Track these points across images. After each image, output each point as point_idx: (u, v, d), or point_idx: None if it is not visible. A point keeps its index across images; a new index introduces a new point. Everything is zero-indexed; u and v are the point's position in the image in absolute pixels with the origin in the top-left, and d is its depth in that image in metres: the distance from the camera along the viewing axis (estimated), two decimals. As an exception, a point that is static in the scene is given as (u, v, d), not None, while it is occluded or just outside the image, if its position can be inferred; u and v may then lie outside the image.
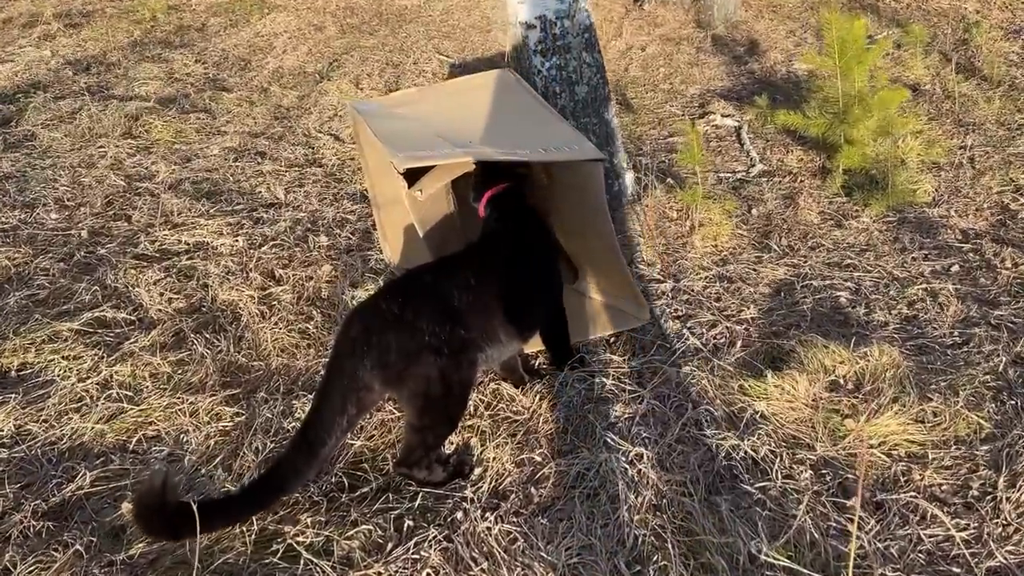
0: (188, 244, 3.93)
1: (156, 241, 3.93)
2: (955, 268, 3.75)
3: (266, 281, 3.58)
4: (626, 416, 2.78)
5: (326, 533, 2.27)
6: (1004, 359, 3.01)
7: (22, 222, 4.05)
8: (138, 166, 4.91)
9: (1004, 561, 2.20)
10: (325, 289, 3.50)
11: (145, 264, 3.69)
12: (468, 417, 2.77)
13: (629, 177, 4.20)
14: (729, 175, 4.92)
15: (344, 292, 3.42)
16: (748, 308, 3.42)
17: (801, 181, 4.76)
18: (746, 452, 2.61)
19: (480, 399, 2.85)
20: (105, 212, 4.24)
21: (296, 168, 5.09)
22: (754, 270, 3.76)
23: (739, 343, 3.18)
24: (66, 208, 4.28)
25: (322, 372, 2.48)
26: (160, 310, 3.33)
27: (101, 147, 5.13)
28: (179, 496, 2.19)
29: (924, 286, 3.59)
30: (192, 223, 4.14)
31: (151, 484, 2.06)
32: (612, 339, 3.26)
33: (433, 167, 2.86)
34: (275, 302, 3.43)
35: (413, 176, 2.87)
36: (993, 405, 2.79)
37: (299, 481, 2.27)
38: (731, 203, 4.24)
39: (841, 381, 2.93)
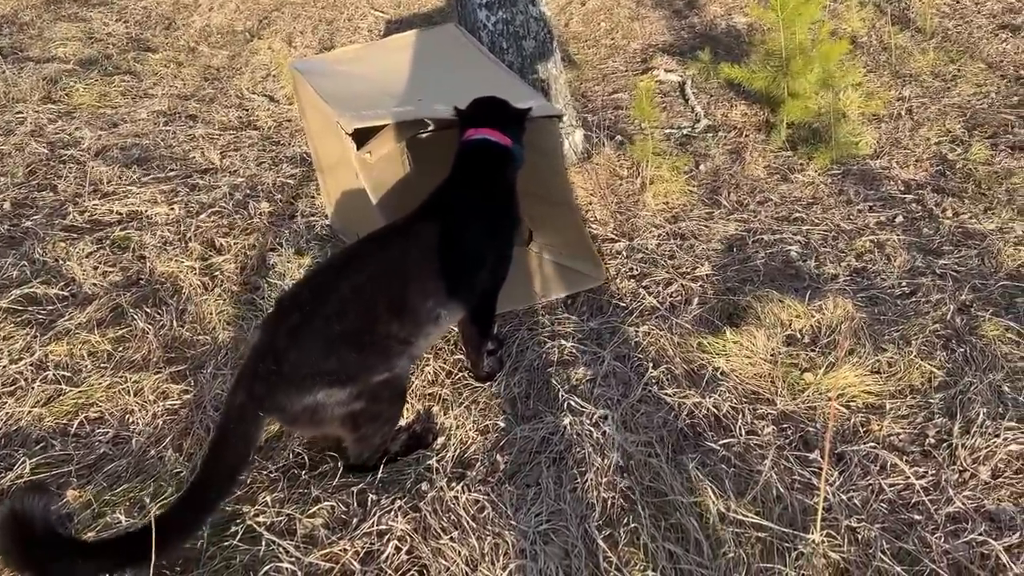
0: (120, 214, 3.74)
1: (85, 211, 3.73)
2: (899, 219, 3.80)
3: (206, 251, 3.43)
4: (588, 378, 2.75)
5: (287, 512, 2.19)
6: (951, 308, 3.06)
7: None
8: (61, 132, 4.64)
9: (962, 506, 2.25)
10: (271, 257, 3.37)
11: (75, 236, 3.49)
12: (429, 385, 2.70)
13: (579, 135, 4.14)
14: (675, 131, 4.89)
15: (290, 260, 3.29)
16: (702, 265, 3.41)
17: (746, 136, 4.76)
18: (708, 410, 2.61)
19: (441, 366, 2.79)
20: (28, 182, 4.00)
21: (231, 131, 4.89)
22: (706, 226, 3.75)
23: (695, 300, 3.17)
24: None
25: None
26: (95, 284, 3.16)
27: (19, 113, 4.84)
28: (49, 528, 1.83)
29: (871, 237, 3.63)
30: (123, 191, 3.94)
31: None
32: (570, 300, 3.22)
33: (383, 127, 2.75)
34: (217, 272, 3.29)
35: (362, 138, 2.75)
36: (944, 353, 2.84)
37: (184, 539, 2.00)
38: (681, 159, 4.20)
39: (798, 335, 2.94)
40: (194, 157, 4.46)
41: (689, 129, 4.93)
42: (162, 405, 2.57)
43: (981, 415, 2.52)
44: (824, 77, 4.61)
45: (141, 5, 7.79)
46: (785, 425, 2.57)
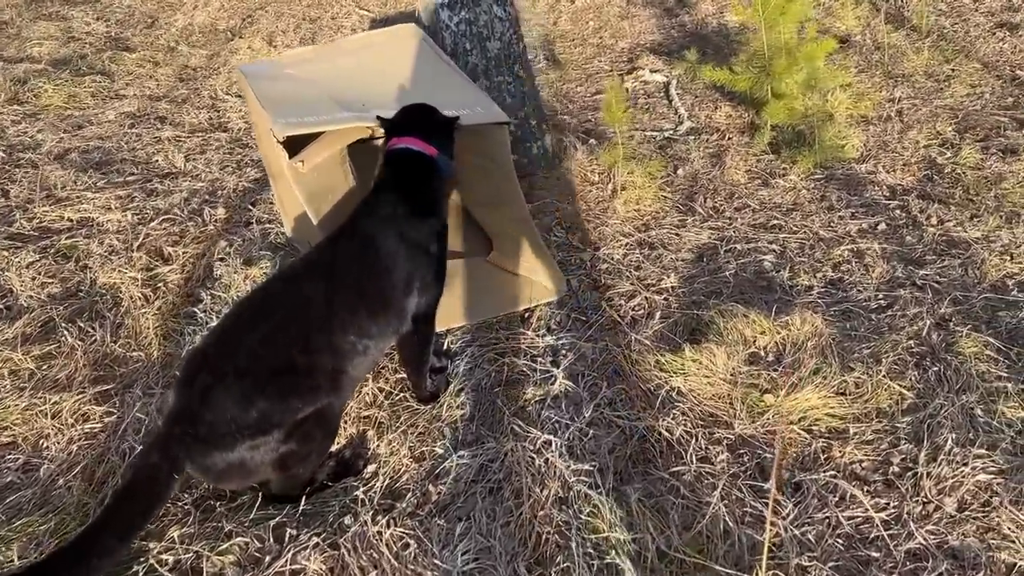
0: (71, 221, 3.61)
1: (34, 218, 3.61)
2: (882, 226, 3.64)
3: (153, 260, 3.30)
4: (537, 399, 2.61)
5: (195, 548, 2.05)
6: (928, 322, 2.91)
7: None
8: (22, 135, 4.53)
9: (923, 542, 2.10)
10: (218, 267, 3.23)
11: (19, 245, 3.37)
12: (365, 407, 2.56)
13: (548, 139, 3.99)
14: (656, 133, 4.73)
15: (236, 271, 3.16)
16: (668, 276, 3.26)
17: (729, 138, 4.60)
18: (661, 434, 2.46)
19: (380, 387, 2.65)
20: (-11, 186, 3.89)
21: (199, 133, 4.77)
22: (677, 235, 3.59)
23: (658, 315, 3.02)
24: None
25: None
26: (31, 296, 3.03)
27: (-23, 112, 4.73)
28: None
29: (850, 246, 3.47)
30: (77, 197, 3.82)
31: None
32: (527, 314, 3.07)
33: (321, 134, 2.61)
34: (161, 284, 3.16)
35: (300, 144, 2.62)
36: (915, 372, 2.68)
37: None
38: (655, 164, 4.05)
39: (761, 353, 2.79)
40: (157, 161, 4.33)
41: (671, 131, 4.78)
42: (80, 429, 2.44)
43: (950, 441, 2.37)
44: (809, 78, 4.45)
45: (125, 3, 7.70)
46: (741, 451, 2.43)
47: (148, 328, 2.87)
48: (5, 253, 3.29)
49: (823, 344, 2.79)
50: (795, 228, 3.66)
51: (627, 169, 3.90)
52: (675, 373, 2.70)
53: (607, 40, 6.51)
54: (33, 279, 3.12)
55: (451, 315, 2.97)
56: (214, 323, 2.89)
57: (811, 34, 4.51)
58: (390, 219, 2.34)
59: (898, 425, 2.48)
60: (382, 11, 7.34)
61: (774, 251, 3.48)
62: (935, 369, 2.69)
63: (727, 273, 3.30)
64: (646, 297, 3.14)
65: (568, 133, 4.35)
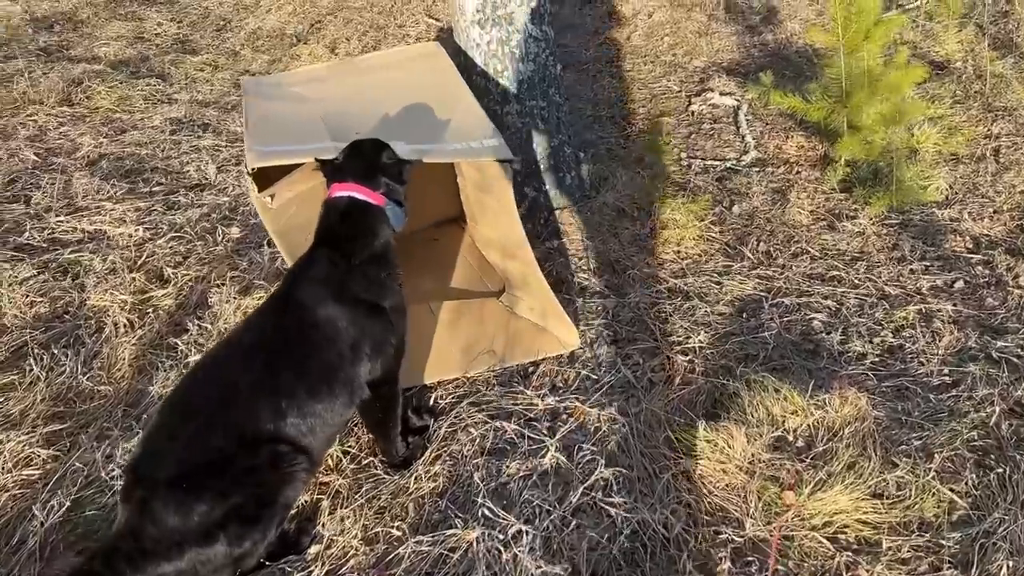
0: (83, 233, 3.50)
1: (47, 229, 3.51)
2: (959, 284, 3.19)
3: (149, 283, 3.14)
4: (521, 474, 2.31)
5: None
6: (998, 408, 2.48)
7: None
8: (62, 138, 4.48)
9: None
10: (214, 295, 3.05)
11: (21, 257, 3.27)
12: (326, 471, 2.31)
13: (586, 169, 3.67)
14: (717, 163, 4.34)
15: (229, 300, 2.96)
16: (699, 333, 2.90)
17: (797, 173, 4.18)
18: (655, 531, 2.12)
19: (345, 449, 2.39)
20: (3, 192, 3.82)
21: (239, 143, 4.63)
22: (718, 283, 3.22)
23: (678, 379, 2.67)
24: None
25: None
26: (16, 316, 2.91)
27: (30, 115, 4.72)
28: None
29: (918, 307, 3.04)
30: (96, 207, 3.71)
31: None
32: (531, 368, 2.77)
33: (300, 165, 2.37)
34: (151, 309, 2.99)
35: (277, 174, 2.39)
36: (974, 474, 2.27)
37: None
38: (703, 202, 3.68)
39: (790, 437, 2.41)
40: (188, 171, 4.21)
41: (734, 162, 4.38)
42: (17, 475, 2.26)
43: (1005, 570, 1.95)
44: (893, 110, 3.98)
45: (203, 5, 7.71)
46: (749, 558, 2.07)
47: (123, 360, 2.70)
48: (6, 266, 3.19)
49: (864, 432, 2.39)
50: (856, 281, 3.24)
51: (670, 205, 3.54)
52: (686, 454, 2.35)
53: (680, 58, 6.12)
54: (25, 296, 2.99)
55: (444, 364, 2.70)
56: (194, 358, 2.70)
57: (900, 60, 4.04)
58: (328, 281, 2.07)
59: (943, 542, 2.08)
60: (451, 21, 7.13)
61: (828, 308, 3.08)
62: (999, 471, 2.27)
63: (768, 333, 2.91)
64: (668, 357, 2.79)
65: (614, 161, 4.02)
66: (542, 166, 3.50)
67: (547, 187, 3.52)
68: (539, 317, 2.88)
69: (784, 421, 2.44)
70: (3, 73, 5.31)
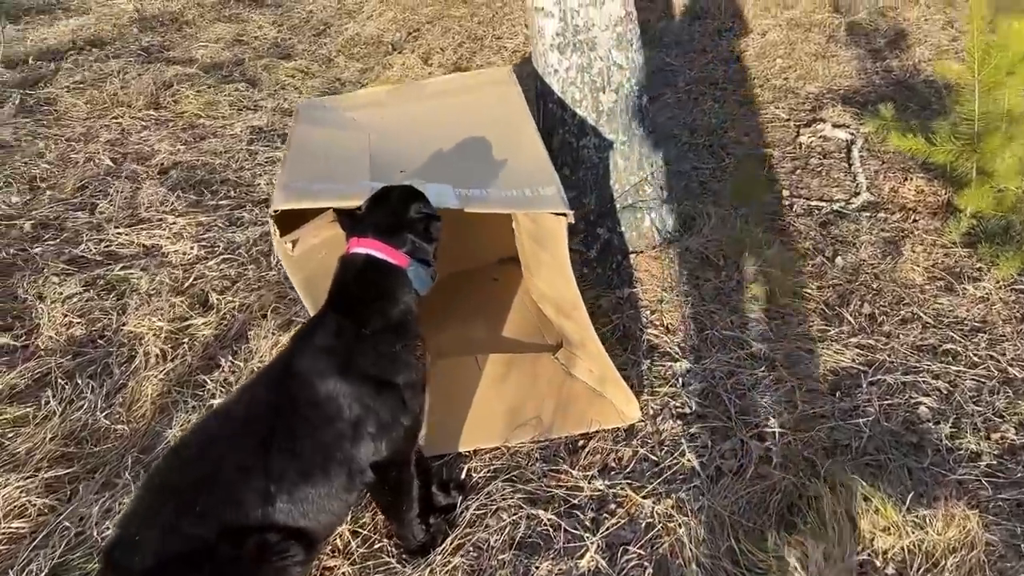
0: (140, 247, 3.40)
1: (104, 241, 3.42)
2: (1103, 373, 2.70)
3: (191, 308, 2.99)
4: (550, 578, 2.00)
5: None
6: None
7: (-28, 206, 3.64)
8: (141, 143, 4.45)
9: None
10: (254, 326, 2.86)
11: (71, 272, 3.18)
12: (330, 555, 2.06)
13: (668, 210, 3.32)
14: (824, 204, 3.92)
15: (268, 335, 2.77)
16: (782, 413, 2.52)
17: (914, 221, 3.71)
18: (700, 669, 1.78)
19: (356, 528, 2.13)
20: (71, 199, 3.78)
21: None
22: (809, 351, 2.83)
23: (751, 471, 2.31)
24: (34, 190, 3.85)
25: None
26: (50, 338, 2.80)
27: (115, 118, 4.72)
28: None
29: (1051, 398, 2.57)
30: (158, 219, 3.62)
31: None
32: (582, 441, 2.46)
33: (328, 209, 2.14)
34: (187, 339, 2.83)
35: (311, 213, 2.16)
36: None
37: None
38: (801, 250, 3.28)
39: (878, 562, 2.02)
40: (259, 184, 4.09)
41: (842, 204, 3.94)
42: (5, 527, 2.10)
43: None
44: (1034, 156, 3.47)
45: (308, 8, 7.70)
46: None
47: (147, 396, 2.53)
48: (55, 280, 3.10)
49: (973, 563, 1.97)
50: (975, 359, 2.79)
51: (763, 254, 3.16)
52: (749, 570, 2.00)
53: (793, 83, 5.65)
54: (64, 316, 2.88)
55: (485, 429, 2.42)
56: (219, 400, 2.51)
57: (1050, 100, 3.52)
58: (333, 352, 1.81)
59: None
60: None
61: (938, 391, 2.65)
62: None
63: (864, 419, 2.51)
64: (743, 441, 2.42)
65: (705, 197, 3.65)
66: (619, 205, 3.18)
67: (623, 228, 3.20)
68: (597, 382, 2.56)
69: (873, 540, 2.05)
70: (100, 73, 5.36)
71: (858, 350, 2.85)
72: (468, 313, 2.95)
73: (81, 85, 5.11)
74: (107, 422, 2.45)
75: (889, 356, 2.81)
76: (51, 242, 3.38)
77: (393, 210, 1.92)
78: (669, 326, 2.95)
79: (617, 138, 3.12)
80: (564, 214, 2.06)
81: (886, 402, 2.59)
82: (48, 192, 3.80)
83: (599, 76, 3.04)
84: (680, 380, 2.68)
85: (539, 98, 3.21)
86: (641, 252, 3.24)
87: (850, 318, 3.01)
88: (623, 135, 3.13)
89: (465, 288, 3.04)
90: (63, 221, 3.55)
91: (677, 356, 2.79)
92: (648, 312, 3.00)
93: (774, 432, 2.44)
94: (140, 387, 2.56)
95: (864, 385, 2.67)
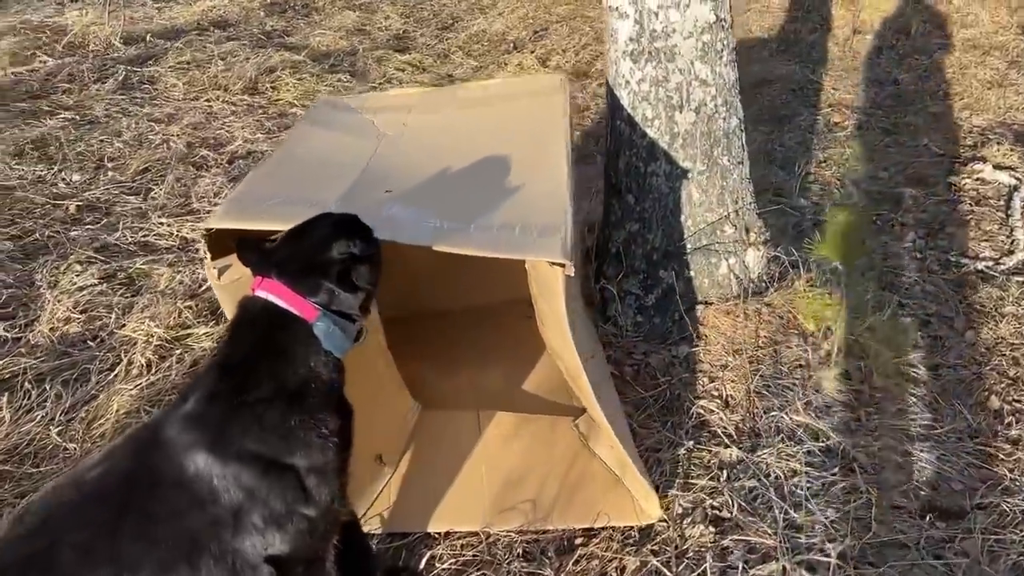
0: (174, 240, 3.22)
1: (143, 230, 3.27)
2: None
3: (198, 316, 2.74)
4: None
5: None
6: None
7: (34, 180, 3.56)
8: (222, 129, 4.33)
9: None
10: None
11: (95, 261, 3.03)
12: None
13: (752, 256, 2.77)
14: (965, 261, 3.24)
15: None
16: (847, 536, 1.97)
17: (1081, 296, 3.00)
18: None
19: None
20: (130, 182, 3.66)
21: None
22: (905, 454, 2.25)
23: (788, 613, 1.78)
24: (99, 170, 3.76)
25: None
26: (45, 335, 2.63)
27: (208, 101, 4.62)
28: None
29: None
30: (207, 212, 3.43)
31: None
32: (581, 539, 2.01)
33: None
34: (180, 350, 2.58)
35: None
36: None
37: None
38: (922, 318, 2.67)
39: None
40: (325, 186, 3.83)
41: (989, 263, 3.25)
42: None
43: None
44: None
45: (440, 2, 7.52)
46: None
47: (113, 412, 2.28)
48: (77, 267, 2.95)
49: None
50: None
51: (869, 320, 2.58)
52: None
53: (956, 112, 4.87)
54: (68, 311, 2.70)
55: (465, 507, 2.02)
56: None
57: None
58: (203, 421, 1.44)
59: None
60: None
61: (1072, 534, 2.00)
62: None
63: (960, 558, 1.92)
64: (785, 569, 1.89)
65: (808, 246, 3.07)
66: (689, 245, 2.68)
67: (692, 273, 2.70)
68: (618, 464, 2.10)
69: None
70: (209, 55, 5.32)
71: (972, 459, 2.24)
72: (485, 357, 2.55)
73: (186, 65, 5.07)
74: (58, 439, 2.22)
75: (1013, 472, 2.19)
76: (90, 226, 3.25)
77: (310, 246, 1.53)
78: (729, 400, 2.43)
79: (693, 166, 2.62)
80: (561, 264, 1.62)
81: (995, 537, 1.98)
82: (110, 173, 3.70)
83: (676, 92, 2.55)
84: (725, 473, 2.17)
85: (609, 113, 2.76)
86: (711, 304, 2.72)
87: (969, 414, 2.39)
88: (701, 163, 2.62)
89: (488, 326, 2.65)
90: (111, 205, 3.43)
91: (729, 441, 2.27)
92: (706, 379, 2.49)
93: (829, 563, 1.90)
94: (109, 401, 2.32)
95: (970, 509, 2.07)
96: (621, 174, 2.72)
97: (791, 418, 2.34)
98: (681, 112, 2.57)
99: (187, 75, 4.91)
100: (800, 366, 2.54)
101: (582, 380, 1.81)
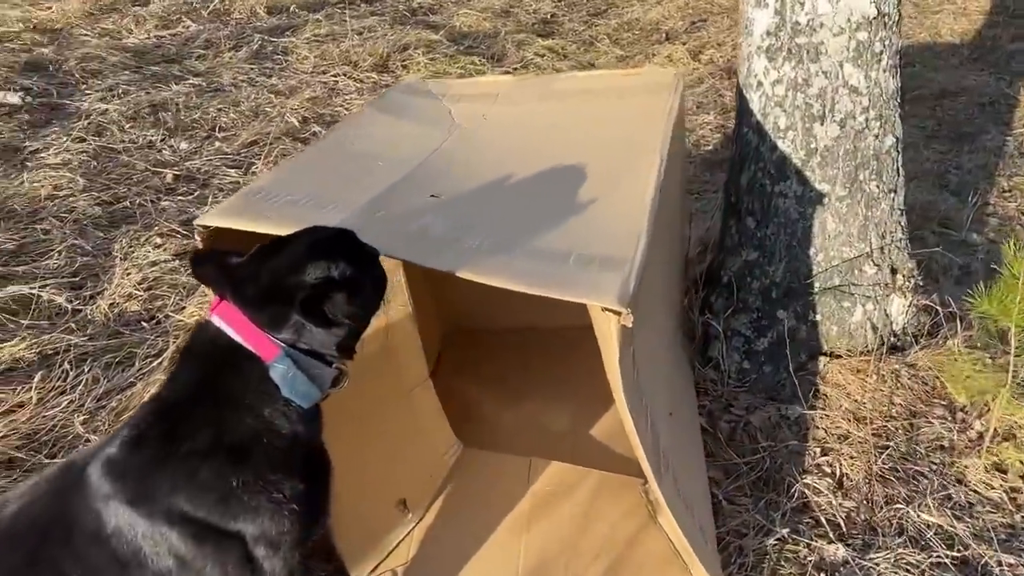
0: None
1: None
2: None
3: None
4: None
5: None
6: None
7: (142, 145, 3.51)
8: (341, 106, 4.19)
9: None
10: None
11: (176, 236, 2.92)
12: None
13: (897, 304, 2.28)
14: None
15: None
16: None
17: None
18: None
19: None
20: (235, 154, 3.55)
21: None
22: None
23: None
24: (208, 139, 3.68)
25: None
26: (104, 310, 2.51)
27: (333, 76, 4.51)
28: None
29: None
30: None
31: None
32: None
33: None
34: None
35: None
36: None
37: None
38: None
39: None
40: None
41: None
42: None
43: None
44: None
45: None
46: None
47: (142, 398, 2.11)
48: (157, 240, 2.84)
49: None
50: None
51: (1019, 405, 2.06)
52: None
53: None
54: (134, 287, 2.58)
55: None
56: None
57: None
58: (124, 469, 1.17)
59: None
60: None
61: None
62: None
63: None
64: None
65: (968, 296, 2.52)
66: (818, 284, 2.24)
67: (817, 317, 2.25)
68: (686, 551, 1.72)
69: None
70: (347, 28, 5.20)
71: None
72: (552, 390, 2.22)
73: (321, 38, 4.97)
74: (81, 429, 2.06)
75: None
76: (182, 197, 3.15)
77: (280, 266, 1.24)
78: (843, 481, 1.98)
79: (832, 190, 2.17)
80: (617, 312, 1.26)
81: None
82: (218, 143, 3.61)
83: (818, 99, 2.11)
84: (822, 574, 1.74)
85: (737, 118, 2.35)
86: (837, 357, 2.26)
87: None
88: (842, 187, 2.17)
89: (561, 352, 2.30)
90: (210, 177, 3.32)
91: (835, 534, 1.84)
92: (818, 450, 2.05)
93: None
94: (143, 392, 2.15)
95: None
96: (743, 191, 2.30)
97: (920, 515, 1.87)
98: (822, 124, 2.12)
99: (320, 48, 4.81)
100: (941, 448, 2.05)
101: (639, 449, 1.45)
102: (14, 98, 3.70)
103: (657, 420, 1.57)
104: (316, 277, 1.20)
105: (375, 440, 1.79)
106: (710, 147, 4.02)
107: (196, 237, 1.44)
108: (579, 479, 1.93)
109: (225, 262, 1.26)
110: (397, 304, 1.90)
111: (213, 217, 1.44)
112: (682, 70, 2.24)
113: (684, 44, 5.56)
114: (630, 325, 1.28)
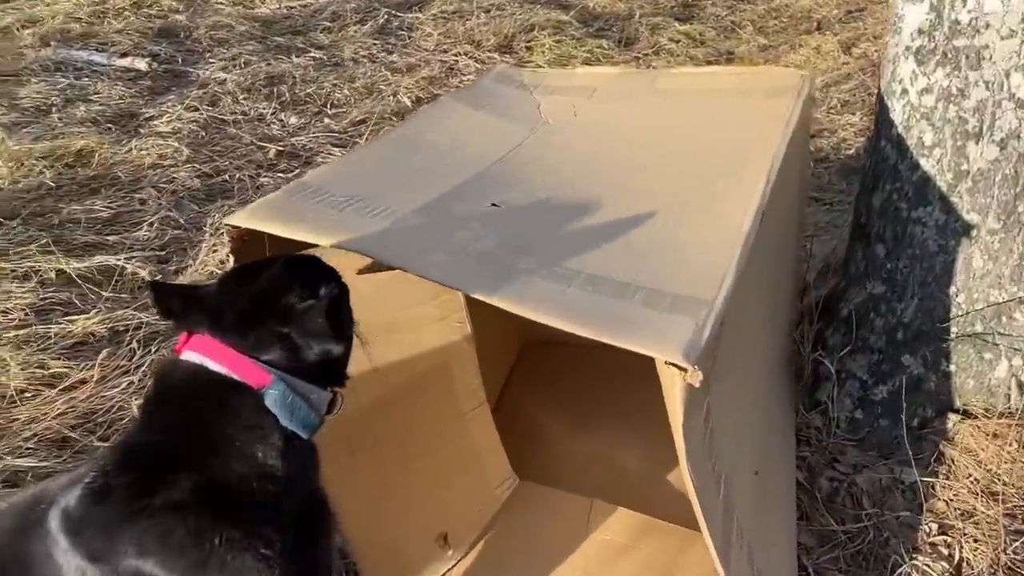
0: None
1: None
2: None
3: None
4: None
5: None
6: None
7: (252, 118, 3.48)
8: (459, 86, 4.07)
9: None
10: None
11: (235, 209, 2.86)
12: None
13: (1020, 363, 1.93)
14: None
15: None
16: None
17: None
18: None
19: None
20: (341, 132, 3.48)
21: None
22: None
23: None
24: (318, 115, 3.64)
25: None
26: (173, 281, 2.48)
27: (455, 55, 4.39)
28: None
29: None
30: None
31: None
32: None
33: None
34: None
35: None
36: None
37: None
38: None
39: None
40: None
41: None
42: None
43: None
44: None
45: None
46: None
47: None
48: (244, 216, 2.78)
49: None
50: None
51: None
52: None
53: None
54: (214, 264, 2.53)
55: None
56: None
57: None
58: (83, 520, 1.02)
59: None
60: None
61: None
62: None
63: None
64: None
65: None
66: (955, 329, 1.91)
67: (951, 367, 1.93)
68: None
69: None
70: (472, 7, 5.07)
71: None
72: (627, 419, 1.98)
73: (449, 15, 4.86)
74: (121, 412, 2.01)
75: None
76: (282, 174, 3.10)
77: (262, 290, 1.09)
78: (962, 567, 1.68)
79: (983, 222, 1.84)
80: (681, 368, 1.05)
81: None
82: (327, 120, 3.55)
83: (975, 113, 1.78)
84: None
85: (875, 128, 2.04)
86: (971, 416, 1.93)
87: None
88: (995, 219, 1.83)
89: (642, 376, 2.05)
90: (313, 155, 3.25)
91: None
92: (935, 526, 1.75)
93: None
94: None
95: None
96: (874, 213, 2.00)
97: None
98: (977, 143, 1.79)
99: (445, 25, 4.69)
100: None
101: (703, 525, 1.22)
102: (141, 64, 3.76)
103: (734, 485, 1.34)
104: (306, 295, 1.06)
105: (419, 466, 1.64)
106: (851, 151, 3.65)
107: (225, 238, 1.31)
108: (646, 530, 1.71)
109: (191, 294, 1.13)
110: (453, 321, 1.73)
111: (243, 217, 1.30)
112: (809, 72, 1.95)
113: (836, 35, 5.12)
114: (698, 385, 1.06)
